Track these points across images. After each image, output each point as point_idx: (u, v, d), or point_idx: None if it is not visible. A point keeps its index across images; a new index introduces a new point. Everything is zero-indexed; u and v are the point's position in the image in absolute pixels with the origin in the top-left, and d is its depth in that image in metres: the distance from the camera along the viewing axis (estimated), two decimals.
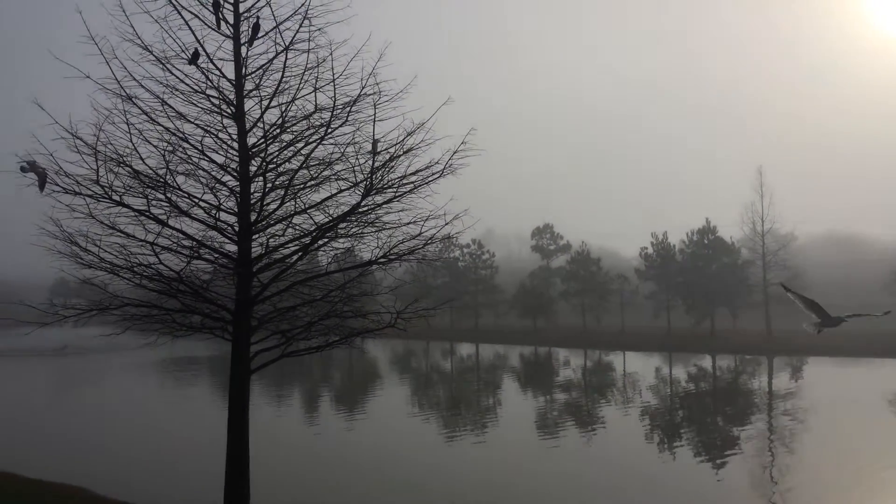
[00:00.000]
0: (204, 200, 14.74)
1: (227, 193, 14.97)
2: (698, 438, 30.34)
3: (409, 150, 14.50)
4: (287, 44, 14.39)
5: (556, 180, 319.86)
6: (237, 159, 14.86)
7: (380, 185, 14.63)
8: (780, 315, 66.26)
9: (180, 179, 14.52)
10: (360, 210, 14.80)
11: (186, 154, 14.59)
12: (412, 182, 14.71)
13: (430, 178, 14.71)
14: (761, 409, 37.57)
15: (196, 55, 14.22)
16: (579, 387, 47.17)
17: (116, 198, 13.80)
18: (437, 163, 14.56)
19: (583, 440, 29.28)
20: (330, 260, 16.70)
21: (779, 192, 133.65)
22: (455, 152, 14.34)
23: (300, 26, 14.24)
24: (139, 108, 14.12)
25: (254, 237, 15.05)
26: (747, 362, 60.94)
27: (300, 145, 14.90)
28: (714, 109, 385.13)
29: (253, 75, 14.93)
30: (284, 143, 14.95)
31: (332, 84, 14.22)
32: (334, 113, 14.45)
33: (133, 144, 13.88)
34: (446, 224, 14.70)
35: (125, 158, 13.86)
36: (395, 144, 14.50)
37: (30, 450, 26.83)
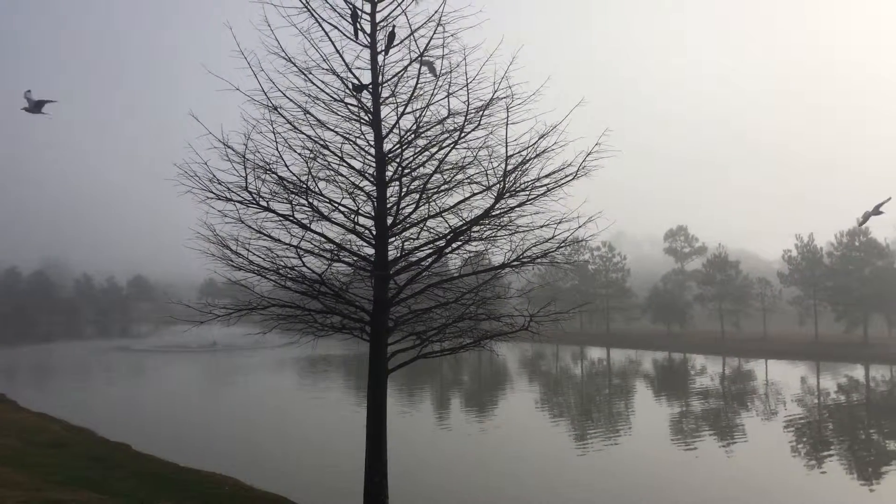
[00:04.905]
0: (343, 205, 15.28)
1: (365, 198, 15.44)
2: (850, 453, 28.31)
3: (543, 152, 14.40)
4: (421, 51, 14.61)
5: (689, 181, 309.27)
6: (374, 165, 15.29)
7: (513, 188, 14.61)
8: None
9: (321, 185, 15.13)
10: (493, 213, 14.85)
11: (327, 161, 15.19)
12: (545, 185, 14.62)
13: (563, 181, 14.56)
14: None
15: (360, 87, 14.83)
16: (717, 395, 45.14)
17: (264, 203, 14.57)
18: (570, 165, 14.40)
19: (721, 452, 28.00)
20: (463, 263, 16.86)
21: None
22: (588, 154, 14.13)
23: (434, 33, 14.42)
24: (284, 117, 14.82)
25: (390, 240, 15.43)
26: None
27: (434, 150, 15.11)
28: (858, 104, 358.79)
29: (389, 83, 15.31)
30: (419, 148, 15.21)
31: (465, 89, 14.30)
32: (467, 117, 14.56)
33: (278, 152, 14.60)
34: (580, 227, 14.53)
35: (271, 166, 14.59)
36: (528, 147, 14.44)
37: (184, 439, 28.74)
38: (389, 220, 15.28)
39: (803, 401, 42.26)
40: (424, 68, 14.43)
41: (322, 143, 15.07)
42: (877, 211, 13.80)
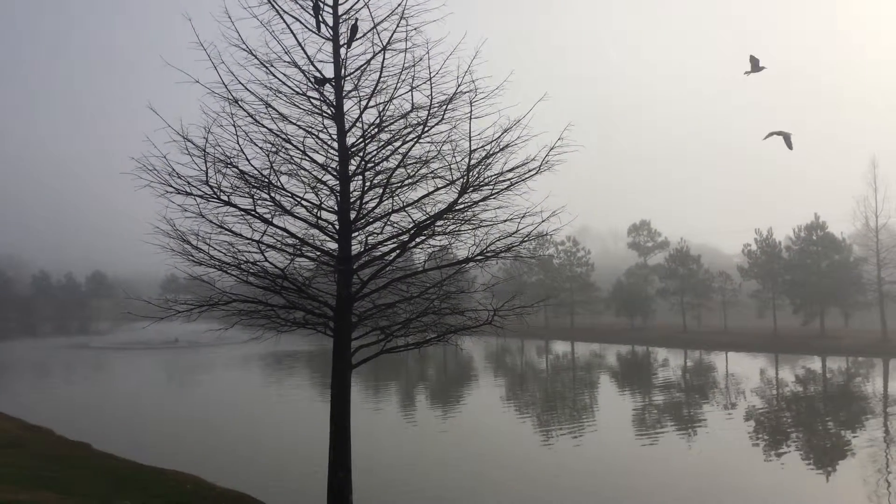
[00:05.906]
0: (306, 199, 15.15)
1: (328, 192, 15.34)
2: (807, 443, 28.96)
3: (506, 146, 14.45)
4: (384, 44, 14.58)
5: (653, 176, 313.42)
6: (337, 159, 15.20)
7: (476, 183, 14.63)
8: None
9: (284, 179, 15.00)
10: (456, 208, 14.85)
11: (289, 154, 15.05)
12: (508, 179, 14.66)
13: (526, 175, 14.61)
14: (877, 415, 35.47)
15: (322, 80, 14.70)
16: (679, 387, 45.83)
17: (224, 198, 14.39)
18: (533, 159, 14.46)
19: (682, 444, 28.42)
20: (427, 258, 16.84)
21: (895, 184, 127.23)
22: (552, 149, 14.20)
23: (397, 26, 14.41)
24: (245, 110, 14.67)
25: (353, 235, 15.35)
26: (861, 364, 57.73)
27: (398, 144, 15.07)
28: (821, 97, 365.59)
29: (352, 76, 15.23)
30: (382, 142, 15.17)
31: (428, 83, 14.28)
32: (431, 111, 14.54)
33: (239, 146, 14.43)
34: (543, 221, 14.59)
35: (232, 160, 14.42)
36: (492, 142, 14.48)
37: (145, 438, 28.34)
38: (353, 215, 15.20)
39: (763, 392, 43.12)
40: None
41: (284, 136, 14.95)
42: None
